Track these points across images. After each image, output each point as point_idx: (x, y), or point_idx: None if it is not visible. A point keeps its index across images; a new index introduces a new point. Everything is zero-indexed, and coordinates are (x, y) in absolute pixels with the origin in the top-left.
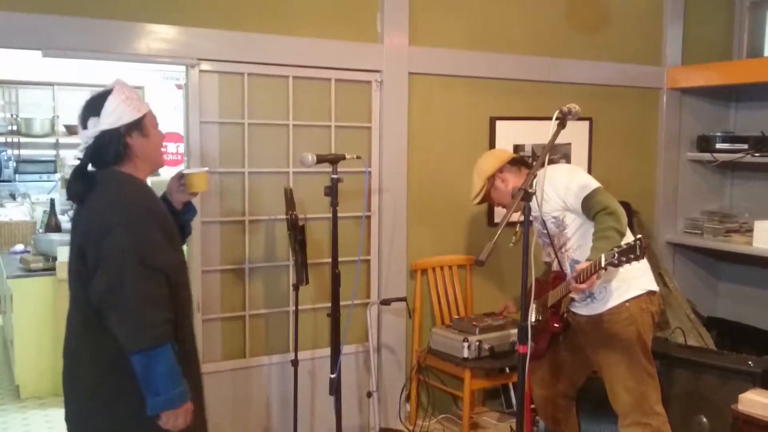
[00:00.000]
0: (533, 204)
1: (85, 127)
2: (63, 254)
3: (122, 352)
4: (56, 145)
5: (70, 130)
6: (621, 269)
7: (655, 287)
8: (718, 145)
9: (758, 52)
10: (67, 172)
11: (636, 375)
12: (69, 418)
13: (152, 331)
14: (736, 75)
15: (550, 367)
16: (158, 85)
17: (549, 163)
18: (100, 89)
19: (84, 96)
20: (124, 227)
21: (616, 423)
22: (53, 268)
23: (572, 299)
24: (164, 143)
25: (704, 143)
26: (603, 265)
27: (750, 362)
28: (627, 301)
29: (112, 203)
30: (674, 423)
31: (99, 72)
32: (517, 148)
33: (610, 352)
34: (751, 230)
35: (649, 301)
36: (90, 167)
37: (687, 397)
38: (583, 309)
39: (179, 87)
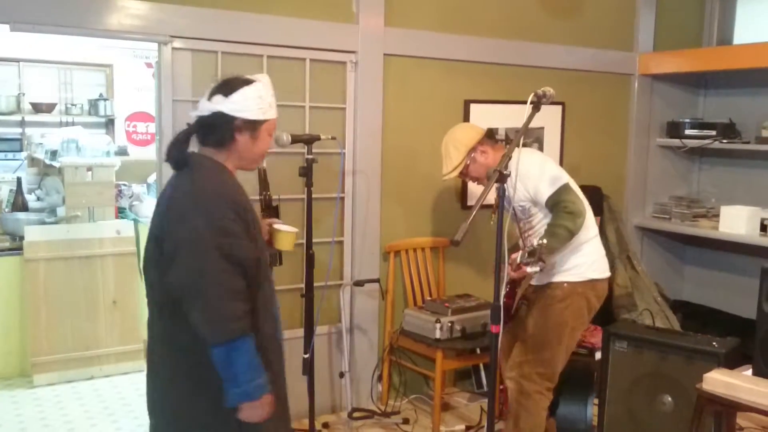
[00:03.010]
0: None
1: (209, 99)
2: (30, 234)
3: (195, 340)
4: (22, 123)
5: (37, 108)
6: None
7: (599, 276)
8: (687, 132)
9: (728, 40)
10: (34, 151)
11: (539, 344)
12: (150, 401)
13: (234, 324)
14: (705, 62)
15: (508, 342)
16: (128, 63)
17: (522, 146)
18: (246, 76)
19: (51, 73)
20: (203, 217)
21: (586, 403)
22: (20, 248)
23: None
24: (136, 122)
25: (674, 129)
26: (518, 262)
27: (714, 343)
28: (566, 282)
29: (193, 193)
30: (640, 403)
31: (66, 49)
32: (491, 131)
33: (533, 317)
34: (717, 215)
35: (590, 287)
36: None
37: (653, 378)
38: (535, 280)
39: (149, 66)
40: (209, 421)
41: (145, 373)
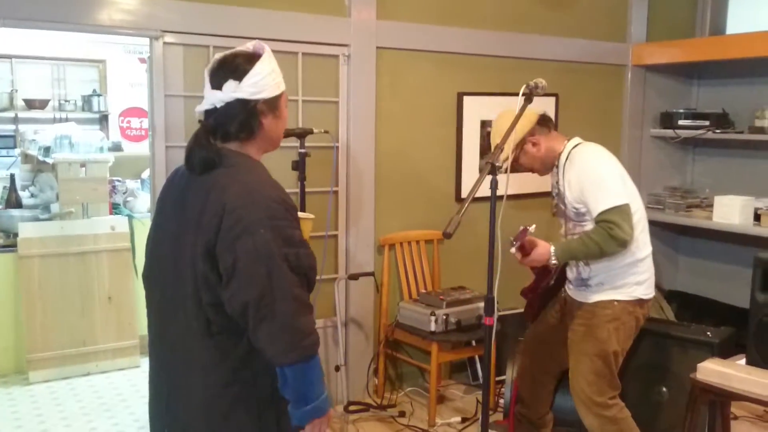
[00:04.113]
0: (558, 178)
1: (218, 87)
2: (24, 230)
3: (245, 362)
4: (15, 120)
5: (30, 105)
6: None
7: (648, 296)
8: (681, 122)
9: (720, 29)
10: (27, 147)
11: (599, 370)
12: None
13: (308, 340)
14: (698, 52)
15: (539, 340)
16: (121, 59)
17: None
18: (243, 49)
19: (43, 69)
20: (267, 227)
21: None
22: (14, 245)
23: (568, 280)
24: (130, 118)
25: (667, 120)
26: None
27: (708, 333)
28: (616, 300)
29: (247, 198)
30: (635, 392)
31: (59, 45)
32: (485, 123)
33: (584, 341)
34: (711, 205)
35: (639, 306)
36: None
37: (648, 368)
38: (577, 294)
39: (142, 61)
40: None
41: (148, 378)
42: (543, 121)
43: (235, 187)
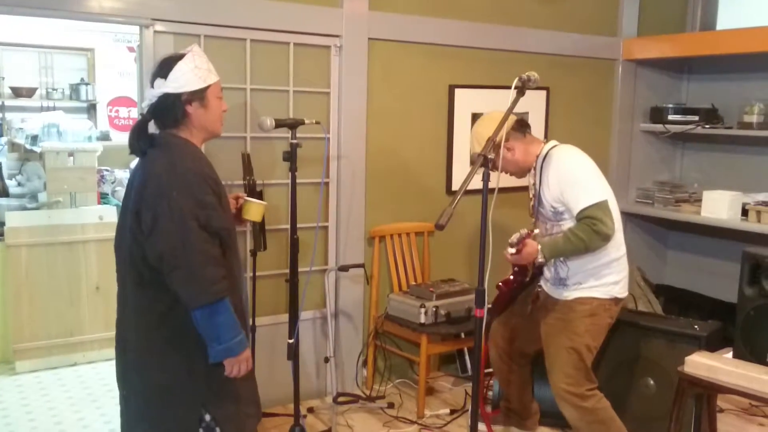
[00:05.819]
0: (535, 179)
1: (152, 85)
2: (11, 220)
3: (172, 308)
4: (2, 108)
5: (17, 93)
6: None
7: (623, 295)
8: (670, 117)
9: (711, 25)
10: (14, 136)
11: (576, 363)
12: (121, 371)
13: (214, 287)
14: (689, 47)
15: (506, 329)
16: (109, 47)
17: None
18: (176, 53)
19: (31, 57)
20: (180, 191)
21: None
22: (1, 234)
23: (544, 278)
24: (119, 107)
25: (657, 114)
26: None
27: (696, 327)
28: (595, 297)
29: (168, 168)
30: (622, 386)
31: (47, 33)
32: (476, 116)
33: (560, 335)
34: (700, 200)
35: (614, 304)
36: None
37: (636, 361)
38: (554, 291)
39: (131, 50)
40: (184, 381)
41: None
42: (519, 126)
43: (161, 160)
